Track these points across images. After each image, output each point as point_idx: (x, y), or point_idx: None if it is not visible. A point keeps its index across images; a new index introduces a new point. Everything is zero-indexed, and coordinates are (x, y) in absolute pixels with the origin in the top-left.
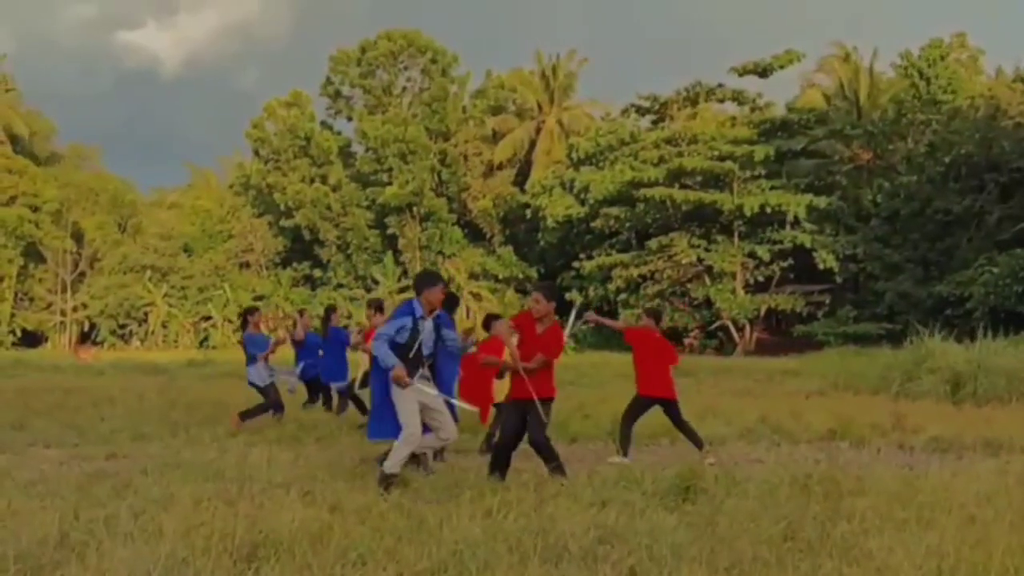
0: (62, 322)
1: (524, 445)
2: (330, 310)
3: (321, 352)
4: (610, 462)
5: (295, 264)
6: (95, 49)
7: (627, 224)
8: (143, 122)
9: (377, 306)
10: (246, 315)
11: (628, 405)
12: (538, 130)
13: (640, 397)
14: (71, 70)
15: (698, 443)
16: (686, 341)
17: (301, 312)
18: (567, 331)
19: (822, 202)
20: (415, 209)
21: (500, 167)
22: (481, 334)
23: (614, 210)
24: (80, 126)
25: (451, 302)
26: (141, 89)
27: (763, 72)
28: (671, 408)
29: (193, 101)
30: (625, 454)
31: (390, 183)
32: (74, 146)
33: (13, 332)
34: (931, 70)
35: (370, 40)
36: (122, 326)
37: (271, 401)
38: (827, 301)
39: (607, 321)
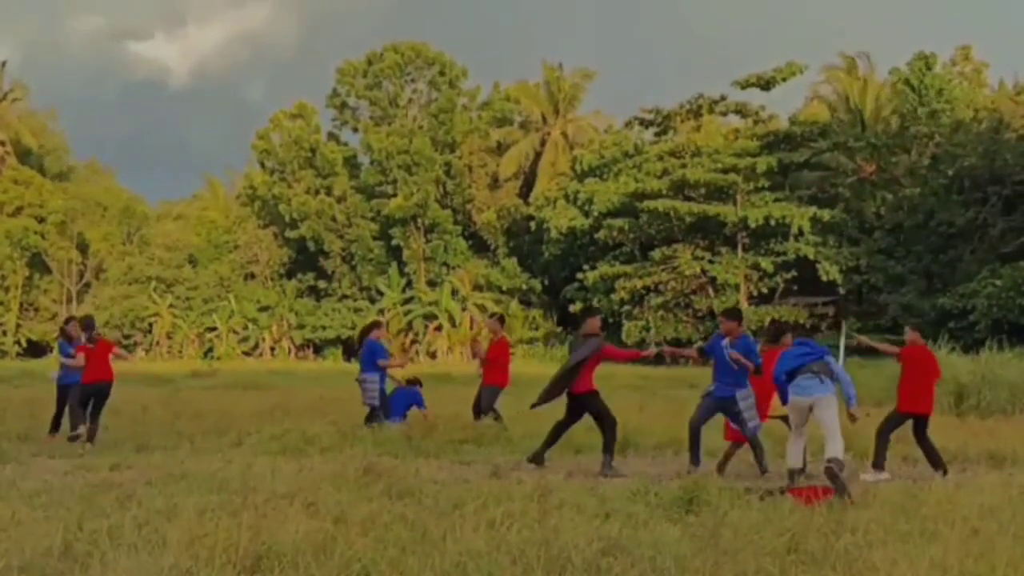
0: None
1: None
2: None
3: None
4: (864, 479)
5: (300, 275)
6: (103, 60)
7: (631, 236)
8: (151, 132)
9: (84, 324)
10: (64, 325)
11: (885, 419)
12: (543, 142)
13: (899, 413)
14: (79, 80)
15: (939, 465)
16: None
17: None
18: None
19: (825, 214)
20: (420, 221)
21: (505, 179)
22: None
23: (618, 222)
24: (88, 136)
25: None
26: (149, 100)
27: (765, 85)
28: (922, 423)
29: (201, 112)
30: (882, 468)
31: (395, 195)
32: (93, 164)
33: (18, 342)
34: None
35: (376, 52)
36: (127, 337)
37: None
38: (831, 313)
39: (880, 345)
